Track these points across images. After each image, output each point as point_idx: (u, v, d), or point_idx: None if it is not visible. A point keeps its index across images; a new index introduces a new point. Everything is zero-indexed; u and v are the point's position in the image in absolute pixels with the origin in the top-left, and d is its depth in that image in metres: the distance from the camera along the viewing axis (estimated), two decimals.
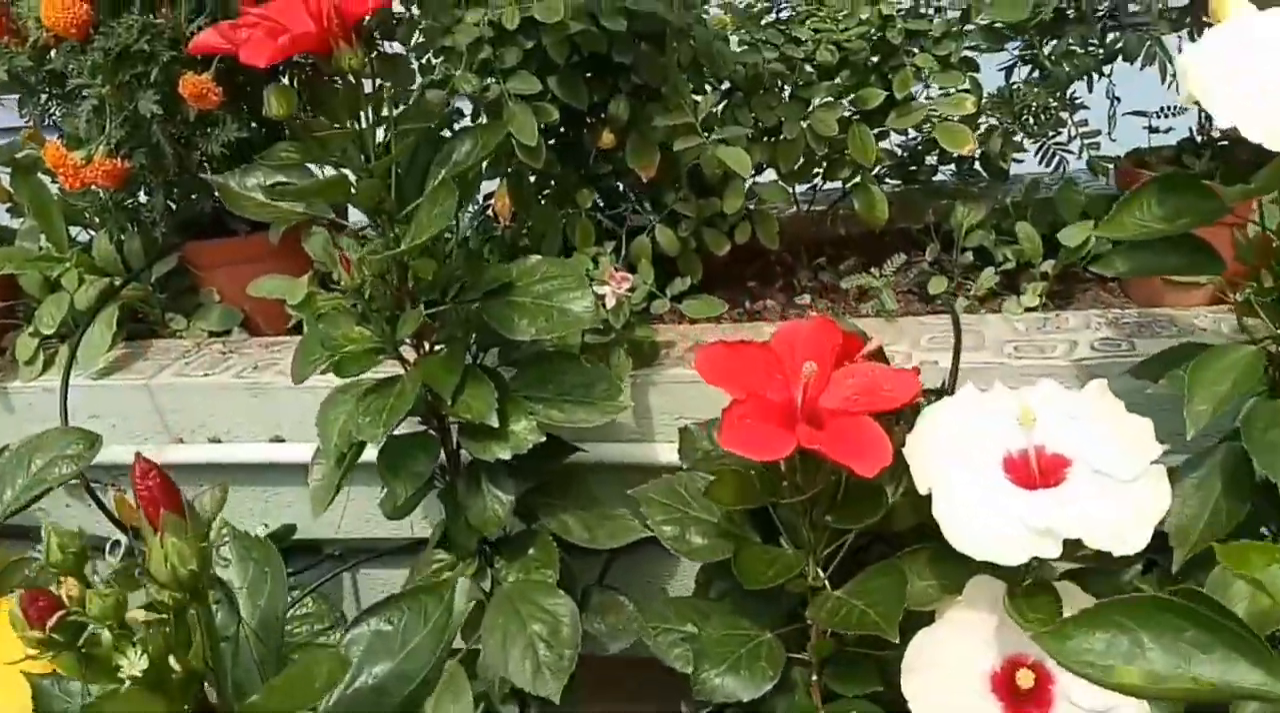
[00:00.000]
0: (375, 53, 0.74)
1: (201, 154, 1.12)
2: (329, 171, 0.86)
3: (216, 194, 1.23)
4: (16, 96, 1.19)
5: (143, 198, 1.21)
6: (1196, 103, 0.61)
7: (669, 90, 1.00)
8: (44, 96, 1.14)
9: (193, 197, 1.20)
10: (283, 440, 1.18)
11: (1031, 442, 0.70)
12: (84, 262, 1.27)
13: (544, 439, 0.83)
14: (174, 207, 1.22)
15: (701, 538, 0.79)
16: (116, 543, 1.20)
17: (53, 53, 1.13)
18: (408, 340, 0.85)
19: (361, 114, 0.77)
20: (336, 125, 0.77)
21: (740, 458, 0.82)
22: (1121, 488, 0.66)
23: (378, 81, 0.79)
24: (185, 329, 1.32)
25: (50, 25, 1.02)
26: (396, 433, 0.83)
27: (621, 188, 1.12)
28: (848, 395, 0.73)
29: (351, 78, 0.73)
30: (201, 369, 1.20)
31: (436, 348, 0.88)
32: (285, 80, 1.01)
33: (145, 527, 0.47)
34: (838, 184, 1.20)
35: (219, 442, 1.19)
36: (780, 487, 0.75)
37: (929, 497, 0.71)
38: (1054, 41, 0.98)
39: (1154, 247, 0.71)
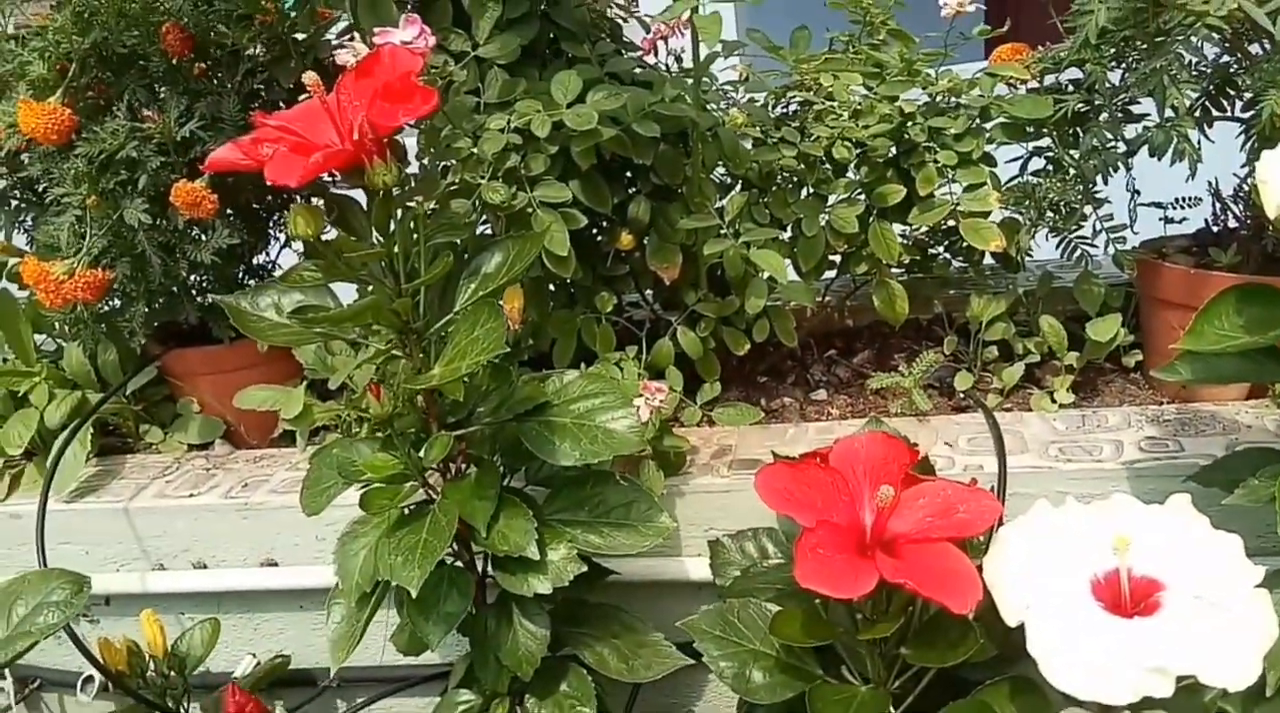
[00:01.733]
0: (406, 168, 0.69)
1: (188, 262, 1.05)
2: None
3: (200, 301, 1.18)
4: None
5: (118, 305, 1.14)
6: None
7: (690, 190, 0.97)
8: (14, 204, 1.07)
9: (176, 305, 1.13)
10: (275, 564, 1.10)
11: (1121, 564, 0.66)
12: (53, 375, 1.18)
13: (585, 569, 0.77)
14: (147, 312, 1.14)
15: (763, 675, 0.73)
16: (90, 678, 1.09)
17: (25, 158, 1.07)
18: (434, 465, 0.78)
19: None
20: (354, 240, 0.72)
21: (786, 583, 0.77)
22: (1227, 615, 0.62)
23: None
24: (162, 442, 1.24)
25: (29, 132, 0.96)
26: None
27: (637, 289, 1.08)
28: (920, 519, 0.69)
29: (384, 194, 0.68)
30: (185, 489, 1.12)
31: (463, 470, 0.81)
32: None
33: None
34: (846, 276, 1.18)
35: (204, 567, 1.10)
36: (853, 620, 0.70)
37: (1005, 625, 0.66)
38: (1079, 137, 0.97)
39: (1226, 356, 0.69)
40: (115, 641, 0.93)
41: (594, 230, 1.05)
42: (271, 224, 1.25)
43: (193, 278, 1.13)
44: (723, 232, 0.94)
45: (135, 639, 0.96)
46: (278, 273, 1.26)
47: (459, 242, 0.78)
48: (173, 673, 0.95)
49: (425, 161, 0.97)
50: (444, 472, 0.81)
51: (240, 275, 1.19)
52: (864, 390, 1.17)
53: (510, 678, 0.82)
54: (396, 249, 0.72)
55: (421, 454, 0.76)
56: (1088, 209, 1.00)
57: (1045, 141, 1.07)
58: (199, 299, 1.17)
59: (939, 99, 1.08)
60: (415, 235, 0.72)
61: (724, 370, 1.11)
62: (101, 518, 1.11)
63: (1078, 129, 1.03)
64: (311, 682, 1.12)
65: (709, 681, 1.04)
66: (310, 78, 0.69)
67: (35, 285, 0.93)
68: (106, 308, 1.13)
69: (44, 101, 0.96)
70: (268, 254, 1.28)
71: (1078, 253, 1.05)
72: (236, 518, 1.08)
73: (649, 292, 1.11)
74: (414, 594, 0.68)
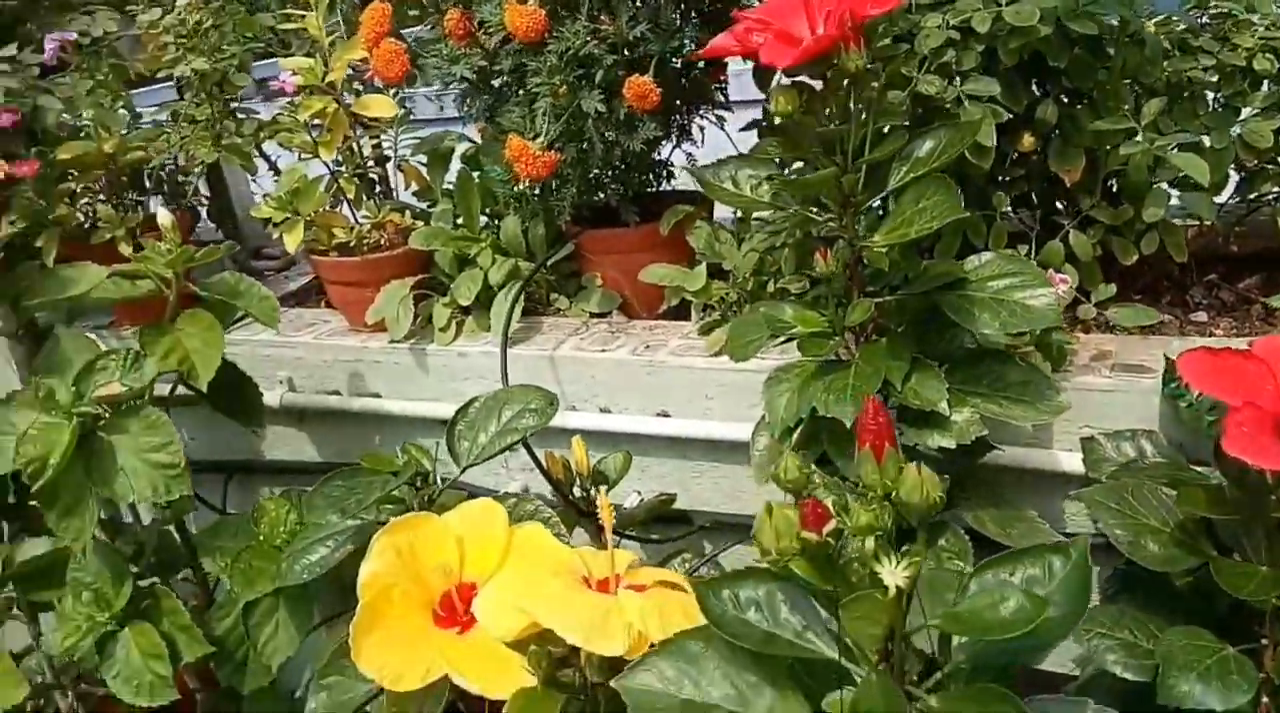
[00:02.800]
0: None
1: (621, 149, 1.22)
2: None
3: (616, 188, 1.35)
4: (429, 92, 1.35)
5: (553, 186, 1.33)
6: None
7: (1102, 95, 0.99)
8: (485, 95, 1.28)
9: (595, 189, 1.31)
10: (668, 415, 1.27)
11: None
12: (493, 242, 1.41)
13: (985, 432, 0.85)
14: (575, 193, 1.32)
15: (1158, 546, 0.78)
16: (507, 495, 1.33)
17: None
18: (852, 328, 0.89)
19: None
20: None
21: (1176, 477, 0.81)
22: None
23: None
24: (568, 308, 1.44)
25: (513, 30, 1.15)
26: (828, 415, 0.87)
27: (1023, 194, 1.13)
28: None
29: (853, 78, 0.78)
30: (596, 345, 1.31)
31: (872, 336, 0.92)
32: None
33: (868, 455, 0.52)
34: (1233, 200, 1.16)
35: (608, 412, 1.30)
36: (1267, 500, 0.73)
37: None
38: None
39: None
40: (559, 456, 1.13)
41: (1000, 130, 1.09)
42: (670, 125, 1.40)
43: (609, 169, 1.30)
44: (1137, 136, 0.96)
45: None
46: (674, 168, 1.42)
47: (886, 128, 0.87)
48: (593, 489, 1.14)
49: None
50: (856, 336, 0.92)
51: (649, 168, 1.35)
52: (1250, 316, 1.16)
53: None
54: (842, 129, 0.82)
55: (844, 316, 0.87)
56: None
57: None
58: (613, 187, 1.34)
59: None
60: (866, 118, 0.81)
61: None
62: (529, 363, 1.32)
63: None
64: (688, 521, 1.29)
65: None
66: None
67: (517, 159, 1.13)
68: (540, 189, 1.34)
69: (525, 4, 1.14)
70: (659, 153, 1.44)
71: None
72: (640, 373, 1.26)
73: (1033, 197, 1.14)
74: (848, 424, 0.80)
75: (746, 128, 1.48)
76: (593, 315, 1.42)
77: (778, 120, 0.85)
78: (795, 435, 0.89)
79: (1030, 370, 0.89)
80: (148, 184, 1.71)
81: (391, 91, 1.48)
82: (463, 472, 0.99)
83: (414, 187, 1.57)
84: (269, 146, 1.56)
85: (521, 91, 1.24)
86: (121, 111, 1.40)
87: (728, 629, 0.54)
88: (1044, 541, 0.95)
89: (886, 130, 0.85)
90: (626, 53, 1.16)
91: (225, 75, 1.30)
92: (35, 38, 1.34)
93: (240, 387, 1.17)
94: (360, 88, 1.39)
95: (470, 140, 1.51)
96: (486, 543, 0.81)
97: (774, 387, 0.91)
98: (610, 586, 0.75)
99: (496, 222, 1.45)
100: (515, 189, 1.33)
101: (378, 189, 1.62)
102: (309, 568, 0.91)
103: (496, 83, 1.29)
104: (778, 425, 0.89)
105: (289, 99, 1.27)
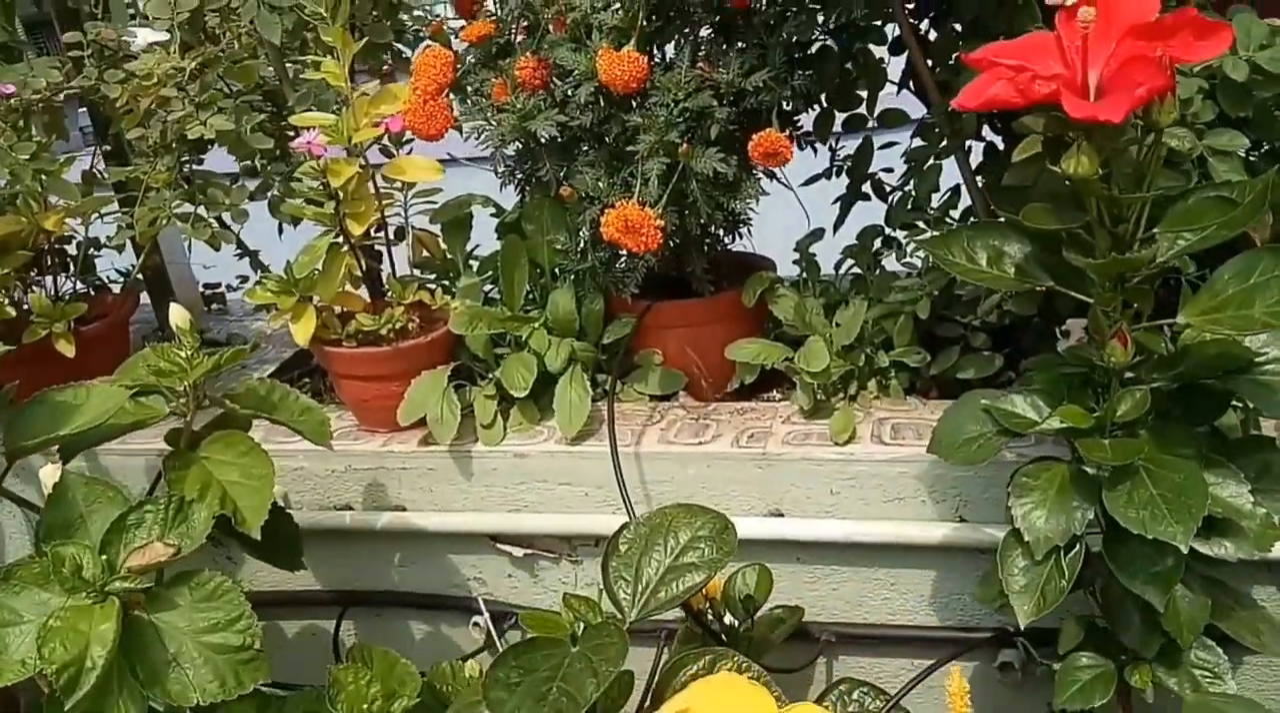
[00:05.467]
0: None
1: (722, 212, 1.06)
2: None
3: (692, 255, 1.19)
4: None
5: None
6: None
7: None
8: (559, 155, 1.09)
9: (679, 257, 1.14)
10: (781, 515, 1.10)
11: None
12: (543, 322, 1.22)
13: None
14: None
15: None
16: None
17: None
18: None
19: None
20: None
21: None
22: None
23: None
24: (622, 391, 1.26)
25: (607, 80, 0.97)
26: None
27: None
28: None
29: (1158, 133, 0.66)
30: (686, 435, 1.14)
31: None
32: None
33: None
34: None
35: None
36: None
37: None
38: None
39: None
40: None
41: None
42: None
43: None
44: None
45: None
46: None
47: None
48: (727, 614, 0.96)
49: None
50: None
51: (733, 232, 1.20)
52: None
53: (1160, 644, 0.79)
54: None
55: (1111, 409, 0.74)
56: None
57: None
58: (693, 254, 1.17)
59: None
60: (1151, 180, 0.69)
61: None
62: (604, 462, 1.12)
63: None
64: (805, 636, 1.12)
65: None
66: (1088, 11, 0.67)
67: (633, 231, 0.93)
68: (605, 260, 1.15)
69: (621, 49, 0.97)
70: None
71: None
72: (749, 468, 1.09)
73: None
74: (1183, 549, 0.66)
75: (806, 183, 1.36)
76: (652, 398, 1.25)
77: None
78: (1056, 557, 0.75)
79: None
80: (48, 262, 1.43)
81: (406, 150, 1.27)
82: (629, 627, 0.78)
83: (421, 257, 1.35)
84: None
85: (594, 150, 1.07)
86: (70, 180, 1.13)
87: None
88: None
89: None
90: (736, 104, 1.00)
91: (240, 136, 1.06)
92: None
93: (274, 521, 0.93)
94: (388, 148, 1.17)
95: (497, 205, 1.31)
96: None
97: (1023, 496, 0.77)
98: None
99: (535, 297, 1.26)
100: (580, 262, 1.15)
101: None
102: None
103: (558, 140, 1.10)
104: (1041, 545, 0.74)
105: (313, 162, 1.03)
